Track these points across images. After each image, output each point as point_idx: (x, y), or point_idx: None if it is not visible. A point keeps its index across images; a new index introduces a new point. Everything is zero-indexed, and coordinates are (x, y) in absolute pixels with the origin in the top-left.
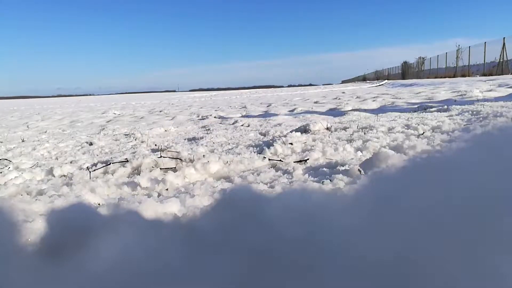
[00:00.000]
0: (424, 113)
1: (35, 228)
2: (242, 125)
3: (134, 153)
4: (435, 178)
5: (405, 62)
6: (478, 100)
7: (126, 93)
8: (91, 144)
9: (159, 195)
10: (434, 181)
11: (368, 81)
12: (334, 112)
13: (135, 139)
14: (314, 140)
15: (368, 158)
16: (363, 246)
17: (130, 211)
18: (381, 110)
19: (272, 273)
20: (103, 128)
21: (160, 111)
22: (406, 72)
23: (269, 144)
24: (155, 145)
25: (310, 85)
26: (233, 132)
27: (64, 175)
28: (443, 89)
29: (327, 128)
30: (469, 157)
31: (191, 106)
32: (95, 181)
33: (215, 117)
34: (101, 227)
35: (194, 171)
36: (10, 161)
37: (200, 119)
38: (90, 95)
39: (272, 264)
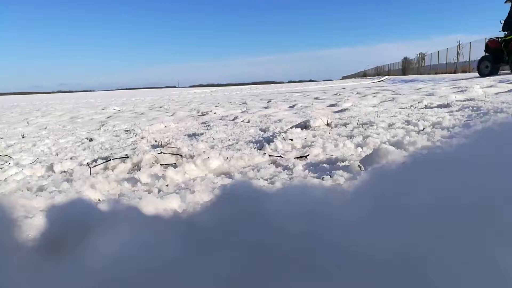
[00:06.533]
0: (424, 109)
1: (35, 224)
2: (242, 121)
3: (134, 149)
4: (436, 174)
5: (405, 58)
6: (478, 96)
7: (126, 89)
8: (91, 140)
9: (159, 191)
10: (434, 177)
11: (368, 77)
12: (334, 108)
13: (135, 135)
14: (314, 136)
15: (368, 154)
16: (363, 243)
17: (130, 207)
18: (382, 106)
19: (272, 269)
20: (103, 124)
21: (160, 107)
22: (407, 68)
23: (269, 140)
24: (155, 141)
25: (311, 81)
26: (233, 128)
27: (65, 171)
28: (444, 85)
29: (327, 124)
30: (469, 153)
31: (191, 102)
32: (95, 177)
33: (215, 113)
34: (101, 222)
35: (194, 167)
36: (11, 157)
37: (200, 115)
38: (91, 91)
39: (272, 260)
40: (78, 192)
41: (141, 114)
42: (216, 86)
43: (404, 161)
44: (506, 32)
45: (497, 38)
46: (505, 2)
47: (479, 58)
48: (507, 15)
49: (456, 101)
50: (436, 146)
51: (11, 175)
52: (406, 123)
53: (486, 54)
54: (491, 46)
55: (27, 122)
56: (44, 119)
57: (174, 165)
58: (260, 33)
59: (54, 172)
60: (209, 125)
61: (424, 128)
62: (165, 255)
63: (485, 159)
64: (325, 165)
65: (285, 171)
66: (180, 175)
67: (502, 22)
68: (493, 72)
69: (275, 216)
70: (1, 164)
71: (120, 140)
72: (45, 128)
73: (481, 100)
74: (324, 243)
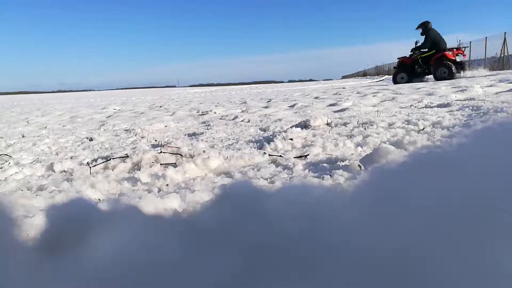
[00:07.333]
0: (424, 108)
1: (35, 223)
2: (242, 121)
3: (134, 148)
4: (436, 174)
5: None
6: (478, 95)
7: (126, 88)
8: (91, 139)
9: (159, 190)
10: (434, 176)
11: (368, 77)
12: (335, 108)
13: (135, 135)
14: (314, 135)
15: (369, 153)
16: (364, 242)
17: (130, 206)
18: (382, 105)
19: (272, 268)
20: (103, 124)
21: (160, 107)
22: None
23: (269, 140)
24: (155, 140)
25: (311, 80)
26: (233, 128)
27: (65, 171)
28: (444, 84)
29: (327, 124)
30: (469, 153)
31: (191, 102)
32: (95, 177)
33: (215, 112)
34: (102, 222)
35: (194, 166)
36: (11, 156)
37: (200, 115)
38: (90, 90)
39: (272, 259)
40: (78, 191)
41: (141, 113)
42: (216, 86)
43: (404, 161)
44: (422, 50)
45: (405, 56)
46: (416, 29)
47: (395, 72)
48: (424, 38)
49: (456, 100)
50: (436, 145)
51: (11, 174)
52: (406, 122)
53: (400, 68)
54: (406, 62)
55: (27, 122)
56: (44, 119)
57: (174, 165)
58: (260, 32)
59: (54, 172)
60: (209, 125)
61: (424, 128)
62: (165, 255)
63: (485, 158)
64: (325, 164)
65: (285, 170)
66: (180, 174)
67: (419, 42)
68: (408, 81)
69: (275, 216)
70: (1, 164)
71: (120, 140)
72: (45, 127)
73: (481, 100)
74: (324, 243)
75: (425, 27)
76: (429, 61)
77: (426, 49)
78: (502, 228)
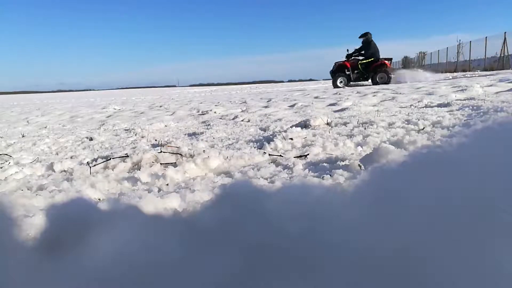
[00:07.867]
0: (424, 108)
1: (35, 223)
2: (242, 120)
3: (134, 148)
4: (436, 173)
5: (405, 57)
6: (478, 95)
7: (126, 88)
8: (91, 139)
9: (159, 190)
10: (435, 176)
11: None
12: (335, 107)
13: (135, 134)
14: (314, 135)
15: (369, 153)
16: (364, 242)
17: (130, 206)
18: (382, 105)
19: (272, 268)
20: (103, 123)
21: (160, 106)
22: (407, 67)
23: (269, 139)
24: (155, 140)
25: (311, 80)
26: (233, 127)
27: (65, 170)
28: (444, 84)
29: (328, 123)
30: (469, 152)
31: (191, 101)
32: (95, 176)
33: (215, 112)
34: (102, 222)
35: (194, 166)
36: (11, 156)
37: (200, 114)
38: (90, 90)
39: (272, 259)
40: (78, 191)
41: (141, 113)
42: (216, 86)
43: (404, 161)
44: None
45: (345, 60)
46: (359, 37)
47: (334, 76)
48: (365, 46)
49: (456, 100)
50: (436, 145)
51: (11, 174)
52: (406, 122)
53: (339, 72)
54: (347, 65)
55: (27, 121)
56: (44, 118)
57: (174, 164)
58: (260, 32)
59: (54, 171)
60: (209, 124)
61: (424, 127)
62: (165, 255)
63: (485, 158)
64: (325, 164)
65: (285, 170)
66: (180, 174)
67: (351, 49)
68: (346, 85)
69: (275, 215)
70: (1, 163)
71: (120, 139)
72: (45, 127)
73: (481, 99)
74: (324, 243)
75: (367, 38)
76: (369, 67)
77: (364, 57)
78: (502, 228)
